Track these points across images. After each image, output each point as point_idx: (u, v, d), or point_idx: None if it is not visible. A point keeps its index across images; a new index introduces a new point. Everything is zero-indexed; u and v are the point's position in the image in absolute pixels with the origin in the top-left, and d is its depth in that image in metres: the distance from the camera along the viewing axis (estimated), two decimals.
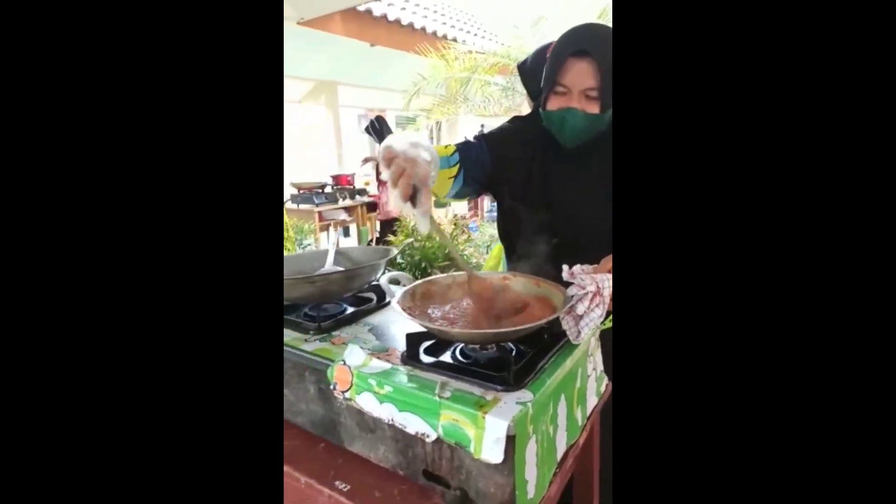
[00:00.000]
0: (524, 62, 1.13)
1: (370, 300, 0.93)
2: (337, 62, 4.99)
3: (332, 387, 0.69)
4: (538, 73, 0.92)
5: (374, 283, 0.92)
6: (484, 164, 0.92)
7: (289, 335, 0.80)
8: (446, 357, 0.70)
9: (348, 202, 4.66)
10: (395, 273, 0.79)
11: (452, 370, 0.64)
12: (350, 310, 0.89)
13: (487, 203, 6.24)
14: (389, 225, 4.61)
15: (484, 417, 0.54)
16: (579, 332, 0.64)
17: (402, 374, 0.64)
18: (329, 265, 0.97)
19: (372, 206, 4.81)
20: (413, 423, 0.60)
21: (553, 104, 0.86)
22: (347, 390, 0.67)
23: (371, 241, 4.80)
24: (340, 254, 1.03)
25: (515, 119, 1.01)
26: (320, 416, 0.73)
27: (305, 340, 0.77)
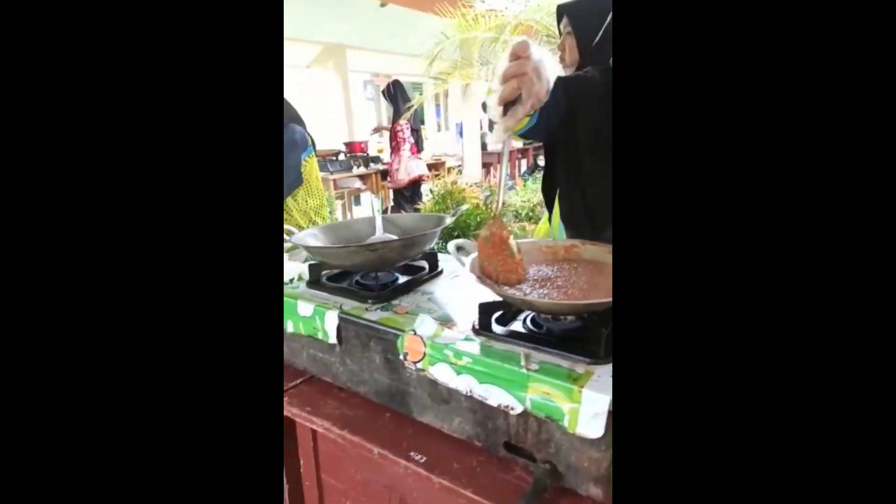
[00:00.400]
0: (570, 3, 1.04)
1: (422, 269, 0.91)
2: (345, 25, 4.81)
3: (402, 357, 0.67)
4: (597, 17, 0.87)
5: (429, 250, 0.89)
6: (559, 109, 0.86)
7: (347, 304, 0.78)
8: (518, 327, 0.67)
9: (362, 170, 4.60)
10: (460, 241, 0.76)
11: (532, 341, 0.62)
12: (403, 278, 0.87)
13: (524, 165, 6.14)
14: (401, 193, 4.55)
15: (581, 391, 0.51)
16: None
17: (478, 345, 0.62)
18: (380, 233, 0.94)
19: (385, 174, 4.75)
20: (495, 396, 0.58)
21: None
22: (419, 361, 0.65)
23: (386, 209, 4.76)
24: (388, 221, 0.99)
25: (592, 70, 0.95)
26: (386, 385, 0.72)
27: (366, 310, 0.75)
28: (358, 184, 4.54)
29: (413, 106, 3.96)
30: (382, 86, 4.50)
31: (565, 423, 0.53)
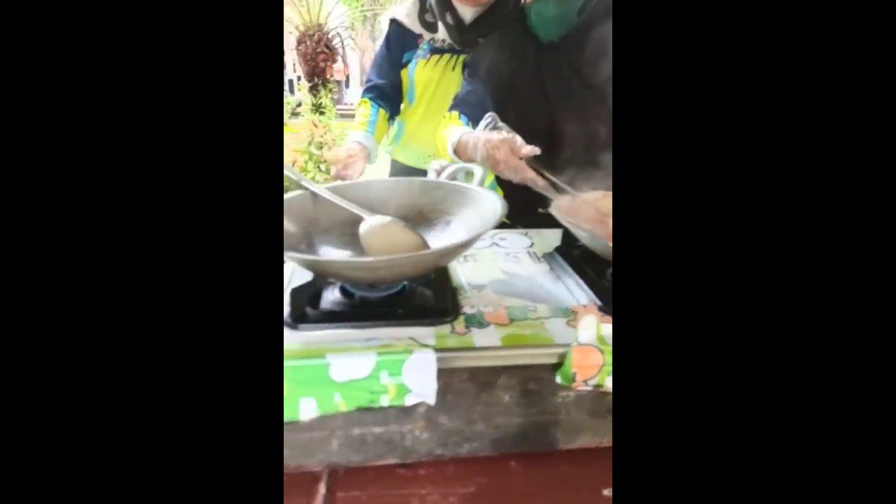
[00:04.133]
0: None
1: None
2: None
3: (567, 383, 0.49)
4: None
5: None
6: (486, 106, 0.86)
7: (420, 333, 0.49)
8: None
9: None
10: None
11: None
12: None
13: None
14: None
15: None
16: None
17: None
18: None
19: None
20: None
21: None
22: (594, 376, 0.50)
23: None
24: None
25: (490, 41, 0.94)
26: (516, 427, 0.51)
27: (458, 334, 0.50)
28: None
29: None
30: None
31: None
